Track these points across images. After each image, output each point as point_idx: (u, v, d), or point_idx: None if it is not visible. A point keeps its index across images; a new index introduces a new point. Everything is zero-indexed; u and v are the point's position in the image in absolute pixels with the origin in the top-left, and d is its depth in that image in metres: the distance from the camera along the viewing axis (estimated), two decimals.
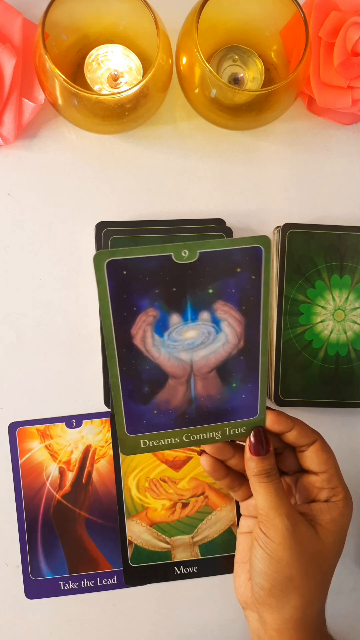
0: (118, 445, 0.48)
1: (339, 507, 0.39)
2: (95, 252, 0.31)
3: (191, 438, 0.38)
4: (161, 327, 0.34)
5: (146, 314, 0.34)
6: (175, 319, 0.34)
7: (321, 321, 0.49)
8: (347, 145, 0.51)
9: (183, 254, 0.33)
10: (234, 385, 0.37)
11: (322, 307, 0.49)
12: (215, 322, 0.35)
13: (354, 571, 0.51)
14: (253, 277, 0.34)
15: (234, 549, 0.49)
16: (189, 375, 0.36)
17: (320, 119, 0.50)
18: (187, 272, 0.33)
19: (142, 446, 0.37)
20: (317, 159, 0.51)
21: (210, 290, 0.34)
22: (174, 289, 0.33)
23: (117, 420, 0.36)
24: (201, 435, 0.38)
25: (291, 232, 0.48)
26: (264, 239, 0.33)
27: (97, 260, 0.32)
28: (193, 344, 0.35)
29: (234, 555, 0.49)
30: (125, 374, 0.35)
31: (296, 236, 0.48)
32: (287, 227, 0.48)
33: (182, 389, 0.36)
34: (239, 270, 0.34)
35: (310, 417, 0.50)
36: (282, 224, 0.48)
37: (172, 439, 0.38)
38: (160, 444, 0.37)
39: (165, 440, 0.37)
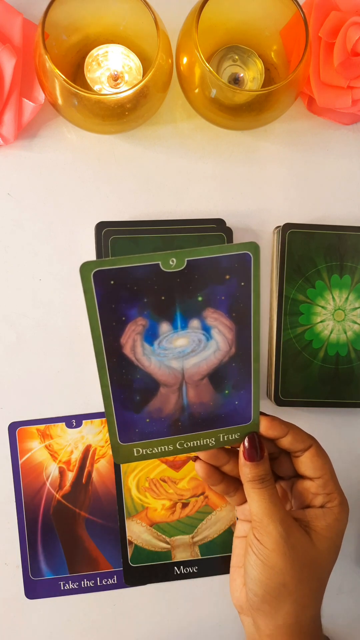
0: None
1: (334, 513, 0.38)
2: (81, 263, 0.32)
3: (185, 445, 0.38)
4: (151, 336, 0.34)
5: (135, 323, 0.34)
6: (164, 327, 0.34)
7: (321, 321, 0.49)
8: (347, 145, 0.51)
9: (171, 263, 0.32)
10: (226, 391, 0.37)
11: (322, 307, 0.49)
12: (206, 329, 0.35)
13: (354, 571, 0.51)
14: (242, 283, 0.34)
15: None
16: (181, 383, 0.36)
17: (320, 119, 0.50)
18: (176, 280, 0.33)
19: (135, 454, 0.37)
20: (317, 159, 0.51)
21: (200, 298, 0.34)
22: (163, 298, 0.33)
23: (109, 429, 0.36)
24: (195, 442, 0.38)
25: (291, 232, 0.48)
26: (252, 245, 0.33)
27: (83, 270, 0.32)
28: (184, 352, 0.35)
29: None
30: (116, 383, 0.35)
31: (296, 236, 0.48)
32: (287, 227, 0.48)
33: (174, 396, 0.36)
34: (228, 277, 0.33)
35: (310, 417, 0.50)
36: (282, 224, 0.48)
37: (166, 447, 0.37)
38: (153, 452, 0.37)
39: (159, 448, 0.37)
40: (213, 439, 0.38)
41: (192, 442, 0.38)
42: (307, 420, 0.50)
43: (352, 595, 0.50)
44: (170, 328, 0.34)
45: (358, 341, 0.49)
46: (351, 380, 0.49)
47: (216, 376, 0.36)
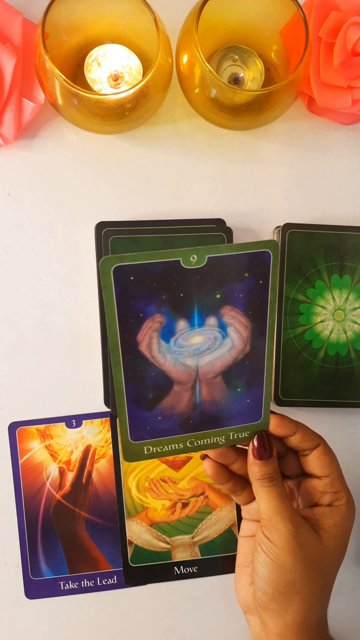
0: (119, 449, 0.48)
1: (341, 511, 0.39)
2: (102, 258, 0.31)
3: (195, 443, 0.38)
4: (167, 333, 0.34)
5: (153, 320, 0.33)
6: (181, 324, 0.34)
7: (321, 321, 0.49)
8: (347, 145, 0.51)
9: (191, 259, 0.32)
10: (239, 389, 0.37)
11: (322, 307, 0.49)
12: (222, 327, 0.35)
13: (354, 571, 0.51)
14: (260, 281, 0.34)
15: (234, 549, 0.49)
16: (195, 380, 0.36)
17: (320, 119, 0.50)
18: (195, 277, 0.33)
19: (145, 453, 0.37)
20: (317, 159, 0.51)
21: (218, 296, 0.34)
22: (181, 295, 0.33)
23: (120, 427, 0.36)
24: (205, 440, 0.38)
25: (291, 232, 0.48)
26: (272, 244, 0.33)
27: (104, 266, 0.31)
28: (199, 350, 0.35)
29: (234, 556, 0.49)
30: (130, 380, 0.35)
31: (296, 236, 0.48)
32: (287, 227, 0.48)
33: (187, 394, 0.36)
34: (246, 275, 0.33)
35: (310, 417, 0.50)
36: (282, 224, 0.48)
37: (176, 445, 0.37)
38: (164, 450, 0.37)
39: (169, 446, 0.37)
40: (223, 437, 0.38)
41: (202, 440, 0.38)
42: (307, 420, 0.50)
43: (352, 595, 0.51)
44: (187, 325, 0.34)
45: (358, 341, 0.49)
46: (351, 380, 0.49)
47: (229, 374, 0.36)
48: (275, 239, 0.49)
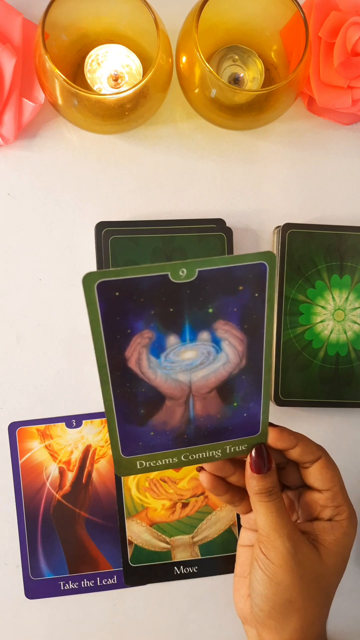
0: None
1: (342, 526, 0.37)
2: (85, 273, 0.30)
3: (190, 457, 0.36)
4: (157, 349, 0.32)
5: (141, 336, 0.32)
6: (172, 340, 0.32)
7: (321, 321, 0.49)
8: (347, 145, 0.51)
9: (181, 273, 0.31)
10: (235, 404, 0.35)
11: (322, 307, 0.49)
12: (216, 341, 0.33)
13: (354, 571, 0.51)
14: (256, 294, 0.32)
15: (234, 549, 0.49)
16: (187, 396, 0.34)
17: (320, 119, 0.50)
18: (185, 291, 0.31)
19: (138, 467, 0.36)
20: (317, 159, 0.51)
21: (210, 310, 0.32)
22: (171, 309, 0.31)
23: (111, 442, 0.35)
24: (200, 454, 0.36)
25: (291, 232, 0.48)
26: (269, 255, 0.31)
27: (86, 281, 0.30)
28: (192, 365, 0.33)
29: (233, 555, 0.49)
30: (119, 397, 0.33)
31: (296, 236, 0.48)
32: (287, 227, 0.48)
33: (180, 410, 0.35)
34: (241, 288, 0.32)
35: (310, 417, 0.50)
36: (282, 224, 0.48)
37: (170, 459, 0.36)
38: (157, 464, 0.36)
39: (163, 460, 0.36)
40: (219, 450, 0.37)
41: (197, 454, 0.36)
42: (307, 420, 0.50)
43: (352, 595, 0.50)
44: (178, 340, 0.33)
45: (358, 341, 0.49)
46: (351, 380, 0.49)
47: (225, 389, 0.35)
48: (275, 239, 0.49)
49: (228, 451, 0.37)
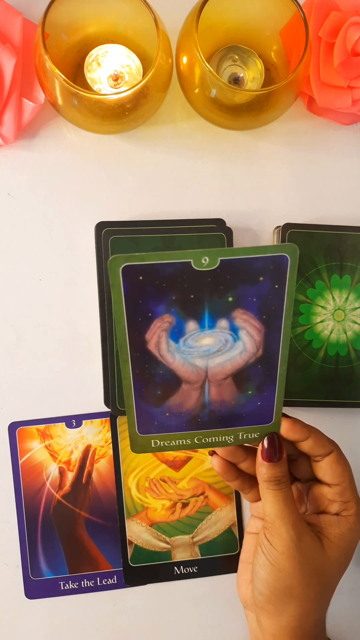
0: (118, 448, 0.48)
1: (349, 522, 0.38)
2: (111, 257, 0.31)
3: (203, 440, 0.37)
4: (177, 333, 0.34)
5: (161, 320, 0.33)
6: (191, 325, 0.34)
7: (321, 321, 0.49)
8: (347, 145, 0.51)
9: (203, 261, 0.32)
10: (249, 392, 0.36)
11: (322, 307, 0.49)
12: (234, 330, 0.34)
13: (354, 571, 0.51)
14: (276, 286, 0.33)
15: (234, 549, 0.49)
16: (204, 381, 0.35)
17: (320, 119, 0.50)
18: (207, 279, 0.32)
19: (152, 445, 0.37)
20: (317, 159, 0.51)
21: (230, 298, 0.33)
22: (192, 296, 0.33)
23: (128, 419, 0.36)
24: (213, 438, 0.37)
25: (291, 232, 0.48)
26: (291, 248, 0.32)
27: (112, 264, 0.31)
28: (209, 351, 0.34)
29: (234, 555, 0.49)
30: (138, 377, 0.35)
31: (296, 236, 0.48)
32: (287, 227, 0.48)
33: (196, 394, 0.36)
34: (261, 279, 0.33)
35: (310, 417, 0.50)
36: (282, 224, 0.48)
37: (184, 441, 0.37)
38: (171, 444, 0.37)
39: (177, 441, 0.37)
40: (232, 436, 0.38)
41: (210, 438, 0.37)
42: (307, 420, 0.50)
43: (352, 595, 0.50)
44: (197, 327, 0.34)
45: (358, 341, 0.49)
46: (351, 380, 0.49)
47: (240, 376, 0.36)
48: (275, 239, 0.49)
49: (241, 437, 0.38)
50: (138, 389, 0.35)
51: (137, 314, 0.33)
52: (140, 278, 0.31)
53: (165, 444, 0.37)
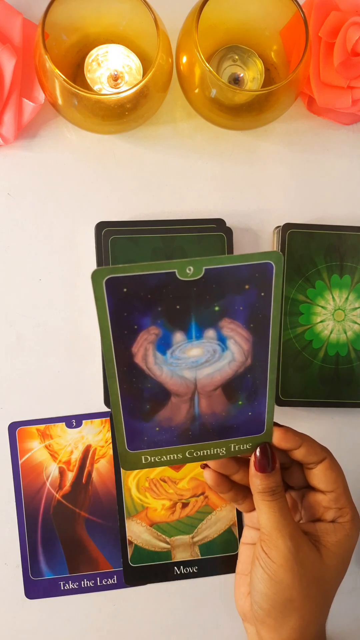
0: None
1: (345, 528, 0.37)
2: (94, 269, 0.30)
3: (194, 454, 0.37)
4: (164, 345, 0.33)
5: (148, 332, 0.32)
6: (178, 337, 0.33)
7: (321, 321, 0.49)
8: (347, 145, 0.51)
9: (187, 271, 0.31)
10: (239, 402, 0.36)
11: (322, 307, 0.49)
12: (221, 339, 0.33)
13: (354, 571, 0.51)
14: (262, 294, 0.32)
15: (234, 549, 0.49)
16: (193, 393, 0.35)
17: (320, 119, 0.50)
18: (192, 289, 0.32)
19: (143, 462, 0.36)
20: (317, 159, 0.51)
21: (217, 308, 0.32)
22: (178, 307, 0.32)
23: (117, 437, 0.35)
24: (205, 451, 0.37)
25: (291, 232, 0.48)
26: (275, 255, 0.31)
27: (95, 277, 0.30)
28: (197, 362, 0.34)
29: (234, 555, 0.49)
30: (125, 392, 0.34)
31: (296, 236, 0.48)
32: (287, 227, 0.48)
33: (185, 406, 0.35)
34: (247, 287, 0.32)
35: (310, 417, 0.50)
36: (282, 224, 0.48)
37: (175, 455, 0.37)
38: (162, 459, 0.36)
39: (168, 456, 0.37)
40: (224, 448, 0.37)
41: (202, 451, 0.37)
42: (307, 420, 0.50)
43: (352, 595, 0.50)
44: (185, 338, 0.33)
45: (358, 341, 0.49)
46: (351, 380, 0.49)
47: (230, 387, 0.35)
48: (275, 239, 0.49)
49: (232, 449, 0.37)
50: (126, 404, 0.34)
51: (123, 327, 0.32)
52: (125, 290, 0.31)
53: (156, 459, 0.36)
